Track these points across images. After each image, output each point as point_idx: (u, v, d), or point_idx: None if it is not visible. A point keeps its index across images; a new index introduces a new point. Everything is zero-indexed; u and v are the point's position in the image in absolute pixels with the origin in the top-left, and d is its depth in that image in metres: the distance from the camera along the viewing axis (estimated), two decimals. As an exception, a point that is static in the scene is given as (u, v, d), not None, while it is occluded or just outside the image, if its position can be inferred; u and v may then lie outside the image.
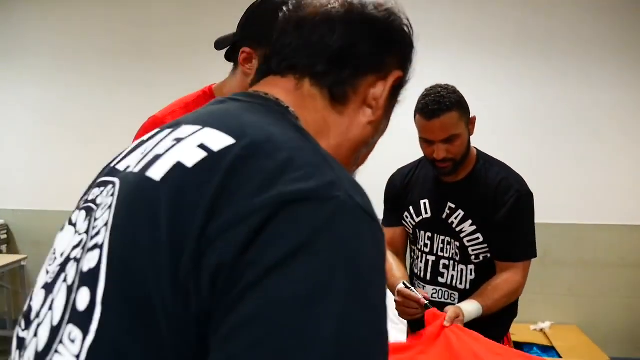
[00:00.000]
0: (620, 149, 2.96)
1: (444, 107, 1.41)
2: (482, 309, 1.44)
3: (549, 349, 2.67)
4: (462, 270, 1.56)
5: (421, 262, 1.63)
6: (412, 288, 1.49)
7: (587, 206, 2.98)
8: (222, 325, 0.40)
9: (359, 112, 0.63)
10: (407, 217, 1.64)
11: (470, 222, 1.51)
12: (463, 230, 1.52)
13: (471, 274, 1.55)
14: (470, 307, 1.43)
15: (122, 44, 3.33)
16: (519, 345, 2.66)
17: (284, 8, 0.67)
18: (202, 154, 0.48)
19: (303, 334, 0.39)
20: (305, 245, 0.41)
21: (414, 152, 1.63)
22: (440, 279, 1.59)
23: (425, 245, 1.61)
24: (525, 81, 2.93)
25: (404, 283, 1.51)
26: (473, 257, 1.53)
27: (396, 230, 1.70)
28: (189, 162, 0.48)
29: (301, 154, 0.48)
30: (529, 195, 1.52)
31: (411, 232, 1.66)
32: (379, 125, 0.66)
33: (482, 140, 2.74)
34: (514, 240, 1.51)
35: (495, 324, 1.53)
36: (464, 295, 1.52)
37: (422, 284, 1.63)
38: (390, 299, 2.44)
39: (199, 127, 0.52)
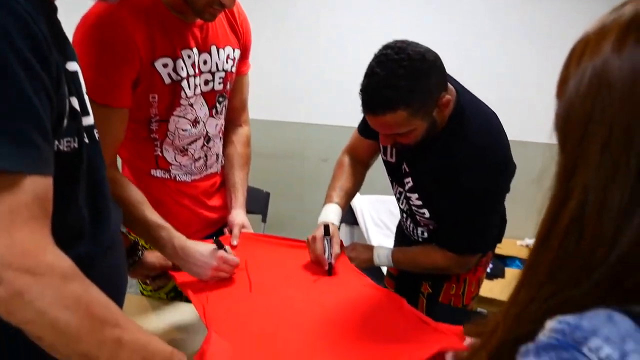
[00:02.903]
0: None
1: (384, 107, 1.04)
2: (393, 263, 1.36)
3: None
4: (413, 227, 1.43)
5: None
6: (330, 237, 1.26)
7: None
8: None
9: None
10: (380, 145, 1.39)
11: (417, 195, 1.30)
12: (411, 199, 1.33)
13: (423, 234, 1.41)
14: (383, 253, 1.37)
15: None
16: (503, 259, 2.75)
17: None
18: None
19: None
20: None
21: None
22: (402, 219, 1.50)
23: (392, 183, 1.43)
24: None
25: (326, 226, 1.28)
26: (422, 223, 1.38)
27: (363, 141, 1.43)
28: None
29: None
30: (493, 177, 1.17)
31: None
32: None
33: (491, 59, 2.67)
34: (454, 229, 1.27)
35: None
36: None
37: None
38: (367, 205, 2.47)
39: None
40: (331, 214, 1.35)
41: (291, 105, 3.08)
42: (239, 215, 1.40)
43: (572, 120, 0.43)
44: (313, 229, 1.32)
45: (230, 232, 1.37)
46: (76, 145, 0.68)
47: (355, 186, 1.47)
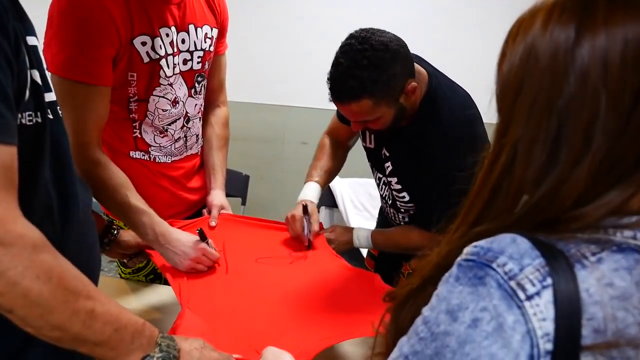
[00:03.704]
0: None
1: (349, 96, 1.08)
2: (373, 243, 1.38)
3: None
4: (394, 213, 1.44)
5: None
6: (309, 216, 1.30)
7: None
8: None
9: None
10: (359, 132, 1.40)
11: (396, 179, 1.32)
12: (392, 183, 1.35)
13: (404, 219, 1.42)
14: (363, 234, 1.39)
15: None
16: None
17: None
18: None
19: None
20: None
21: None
22: (383, 205, 1.51)
23: (372, 169, 1.44)
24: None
25: (304, 206, 1.31)
26: (402, 209, 1.39)
27: (342, 125, 1.45)
28: None
29: None
30: (465, 157, 1.18)
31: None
32: None
33: (468, 41, 2.68)
34: (430, 208, 1.23)
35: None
36: None
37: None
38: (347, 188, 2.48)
39: None
40: (310, 192, 1.39)
41: (270, 87, 3.05)
42: (217, 197, 1.40)
43: (507, 88, 0.49)
44: (290, 211, 1.34)
45: (209, 213, 1.37)
46: (39, 119, 0.66)
47: (336, 167, 1.49)
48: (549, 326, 0.41)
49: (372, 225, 1.74)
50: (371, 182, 2.52)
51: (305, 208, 1.32)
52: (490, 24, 2.76)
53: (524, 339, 0.41)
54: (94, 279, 0.81)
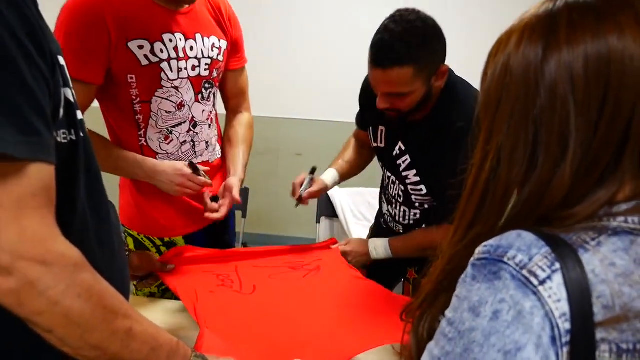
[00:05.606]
0: None
1: (394, 60, 1.09)
2: (392, 251, 1.40)
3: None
4: (404, 211, 1.44)
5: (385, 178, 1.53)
6: (311, 178, 1.47)
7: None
8: None
9: None
10: (369, 133, 1.46)
11: (414, 171, 1.34)
12: (408, 177, 1.36)
13: (415, 216, 1.44)
14: (380, 244, 1.42)
15: None
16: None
17: None
18: None
19: None
20: None
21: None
22: (389, 207, 1.53)
23: (383, 169, 1.49)
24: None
25: (313, 168, 1.49)
26: (417, 204, 1.40)
27: (362, 132, 1.53)
28: None
29: None
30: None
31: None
32: None
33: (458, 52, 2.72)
34: (450, 200, 1.26)
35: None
36: (408, 229, 1.46)
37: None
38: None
39: None
40: (327, 175, 1.53)
41: (264, 99, 3.07)
42: (230, 180, 1.41)
43: (489, 101, 0.56)
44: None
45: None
46: (73, 137, 0.67)
47: (360, 161, 1.61)
48: (565, 306, 0.45)
49: (365, 232, 1.77)
50: (370, 192, 2.55)
51: (313, 170, 1.47)
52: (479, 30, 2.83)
53: (544, 322, 0.45)
54: (126, 299, 0.82)
